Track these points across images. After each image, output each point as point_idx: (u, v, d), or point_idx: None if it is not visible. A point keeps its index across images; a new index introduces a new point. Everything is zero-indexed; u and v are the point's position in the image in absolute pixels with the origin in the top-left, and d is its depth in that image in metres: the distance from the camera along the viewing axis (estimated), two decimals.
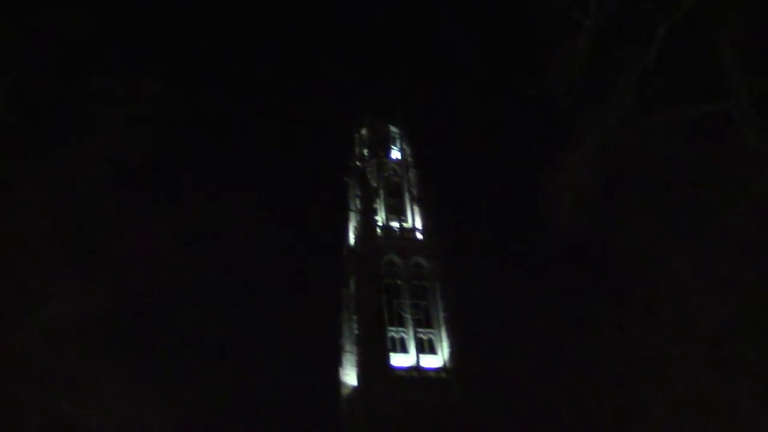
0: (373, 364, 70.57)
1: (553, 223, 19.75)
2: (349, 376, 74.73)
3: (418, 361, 71.71)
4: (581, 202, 18.75)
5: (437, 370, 71.87)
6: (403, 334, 72.77)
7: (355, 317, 75.54)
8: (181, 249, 19.88)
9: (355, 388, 73.28)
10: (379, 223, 79.33)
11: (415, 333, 73.05)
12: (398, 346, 72.04)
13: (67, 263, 17.57)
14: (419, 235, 79.75)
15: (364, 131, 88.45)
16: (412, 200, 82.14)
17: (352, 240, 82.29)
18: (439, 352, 72.56)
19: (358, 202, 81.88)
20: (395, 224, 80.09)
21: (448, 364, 71.65)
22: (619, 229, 20.66)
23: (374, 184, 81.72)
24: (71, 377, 18.12)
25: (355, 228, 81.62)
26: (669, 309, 20.04)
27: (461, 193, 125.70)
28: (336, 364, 76.20)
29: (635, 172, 19.29)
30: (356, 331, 74.49)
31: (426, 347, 73.03)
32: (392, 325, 72.68)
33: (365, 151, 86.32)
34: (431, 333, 73.69)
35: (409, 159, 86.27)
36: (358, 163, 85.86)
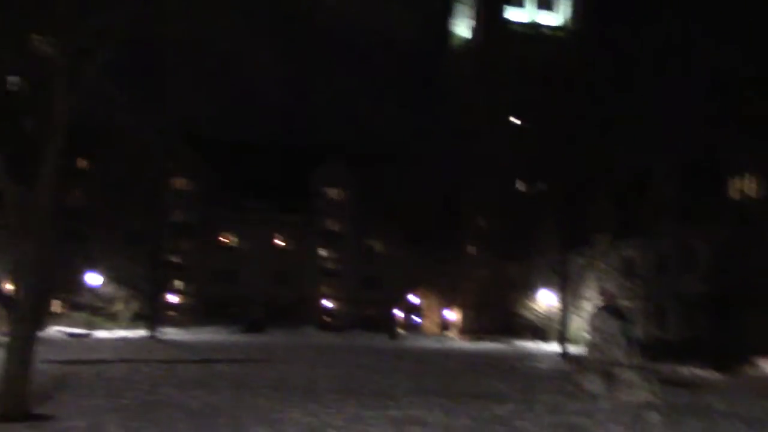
0: (488, 17, 67.58)
1: None
2: (461, 28, 72.25)
3: (535, 18, 68.28)
4: None
5: (556, 29, 68.57)
6: None
7: None
8: None
9: (466, 41, 71.22)
10: None
11: None
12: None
13: None
14: None
15: None
16: None
17: None
18: (560, 9, 68.54)
19: None
20: None
21: (568, 24, 68.10)
22: None
23: None
24: None
25: None
26: None
27: None
28: (446, 14, 73.22)
29: None
30: None
31: (544, 2, 68.86)
32: None
33: None
34: None
35: None
36: None
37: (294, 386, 15.56)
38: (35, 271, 10.53)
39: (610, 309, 13.99)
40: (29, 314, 10.45)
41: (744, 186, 36.02)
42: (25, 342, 10.37)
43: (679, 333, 37.71)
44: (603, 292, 16.00)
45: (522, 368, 25.55)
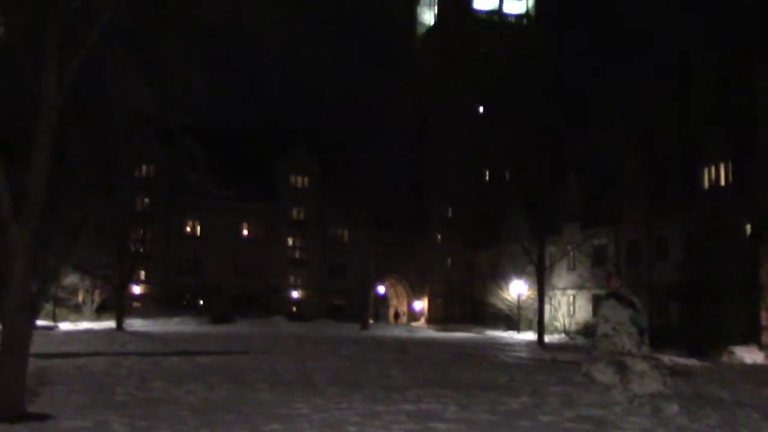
0: (453, 4, 67.40)
1: None
2: (427, 15, 71.91)
3: (501, 5, 68.37)
4: None
5: (520, 17, 68.81)
6: None
7: None
8: None
9: (432, 28, 70.93)
10: None
11: None
12: None
13: None
14: None
15: None
16: None
17: None
18: None
19: None
20: None
21: (531, 12, 68.37)
22: None
23: None
24: None
25: None
26: None
27: None
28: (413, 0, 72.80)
29: None
30: None
31: None
32: None
33: None
34: None
35: None
36: None
37: (290, 380, 15.00)
38: (27, 259, 9.78)
39: (617, 297, 13.72)
40: (24, 305, 9.72)
41: (714, 174, 36.31)
42: (20, 335, 9.65)
43: (651, 321, 37.99)
44: (608, 278, 15.63)
45: (507, 358, 25.34)
